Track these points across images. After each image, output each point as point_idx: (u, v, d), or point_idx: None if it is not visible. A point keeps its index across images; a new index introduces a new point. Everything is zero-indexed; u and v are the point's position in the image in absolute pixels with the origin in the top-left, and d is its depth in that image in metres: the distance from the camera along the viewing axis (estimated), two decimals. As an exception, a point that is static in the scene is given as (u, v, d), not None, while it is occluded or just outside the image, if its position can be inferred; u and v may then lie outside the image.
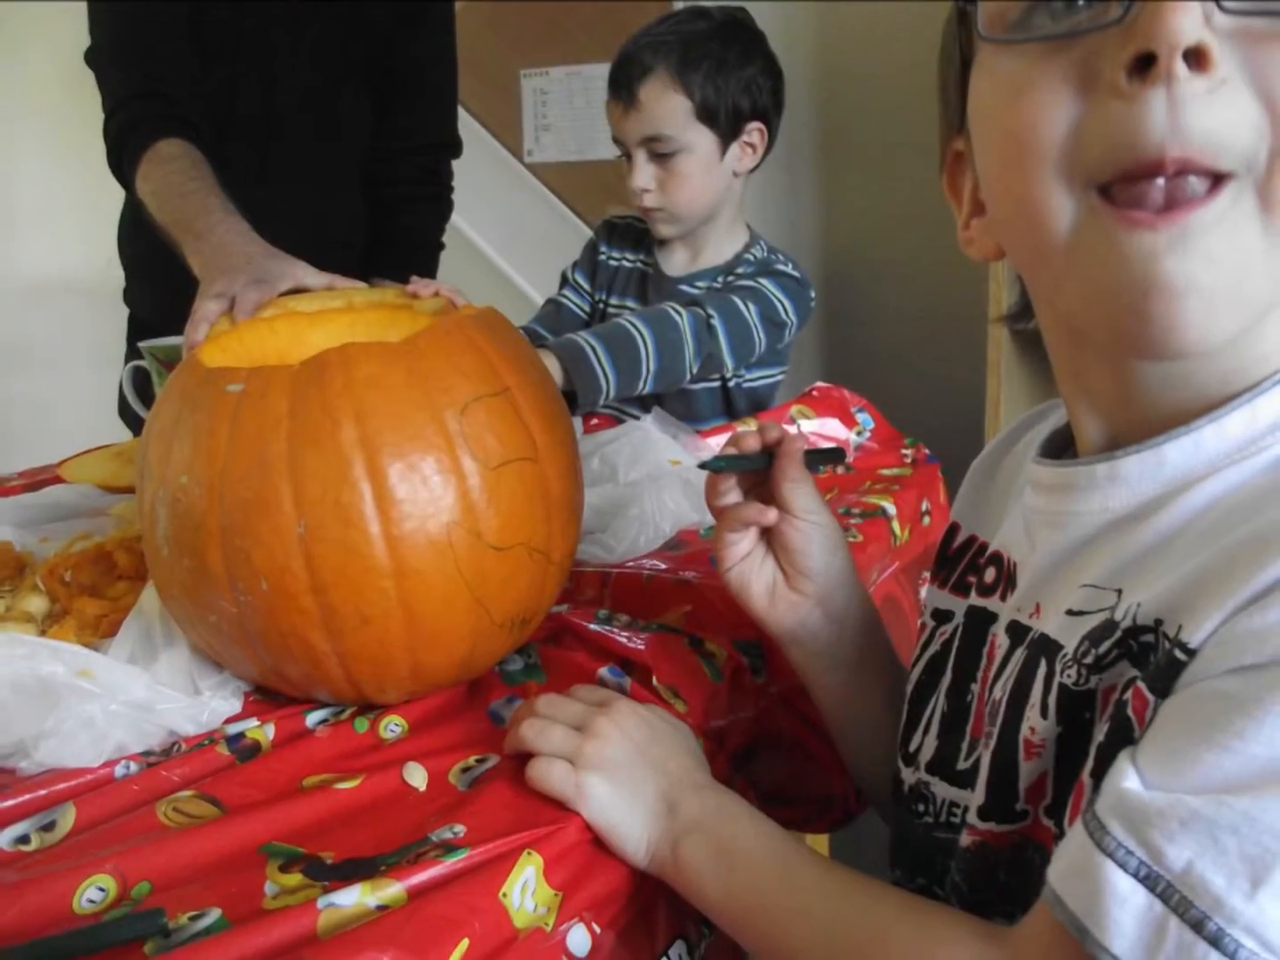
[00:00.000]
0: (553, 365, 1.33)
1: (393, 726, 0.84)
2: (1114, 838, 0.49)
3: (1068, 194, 0.55)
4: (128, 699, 0.80)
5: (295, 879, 0.67)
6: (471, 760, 0.80)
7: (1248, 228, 0.52)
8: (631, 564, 1.09)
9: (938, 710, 0.76)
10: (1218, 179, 0.52)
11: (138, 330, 1.84)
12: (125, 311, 1.92)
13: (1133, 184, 0.53)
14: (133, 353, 1.69)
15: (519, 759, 0.77)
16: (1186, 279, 0.52)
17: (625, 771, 0.74)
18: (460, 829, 0.71)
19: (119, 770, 0.78)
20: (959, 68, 0.64)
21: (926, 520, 1.35)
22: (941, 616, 0.80)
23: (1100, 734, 0.56)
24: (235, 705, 0.85)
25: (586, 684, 0.86)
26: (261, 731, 0.82)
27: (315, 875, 0.68)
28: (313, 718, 0.85)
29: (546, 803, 0.73)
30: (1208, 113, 0.50)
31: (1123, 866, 0.49)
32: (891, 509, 1.26)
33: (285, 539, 0.77)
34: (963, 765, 0.72)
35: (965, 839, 0.67)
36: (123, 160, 1.51)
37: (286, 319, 1.02)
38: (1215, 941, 0.46)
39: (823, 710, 0.89)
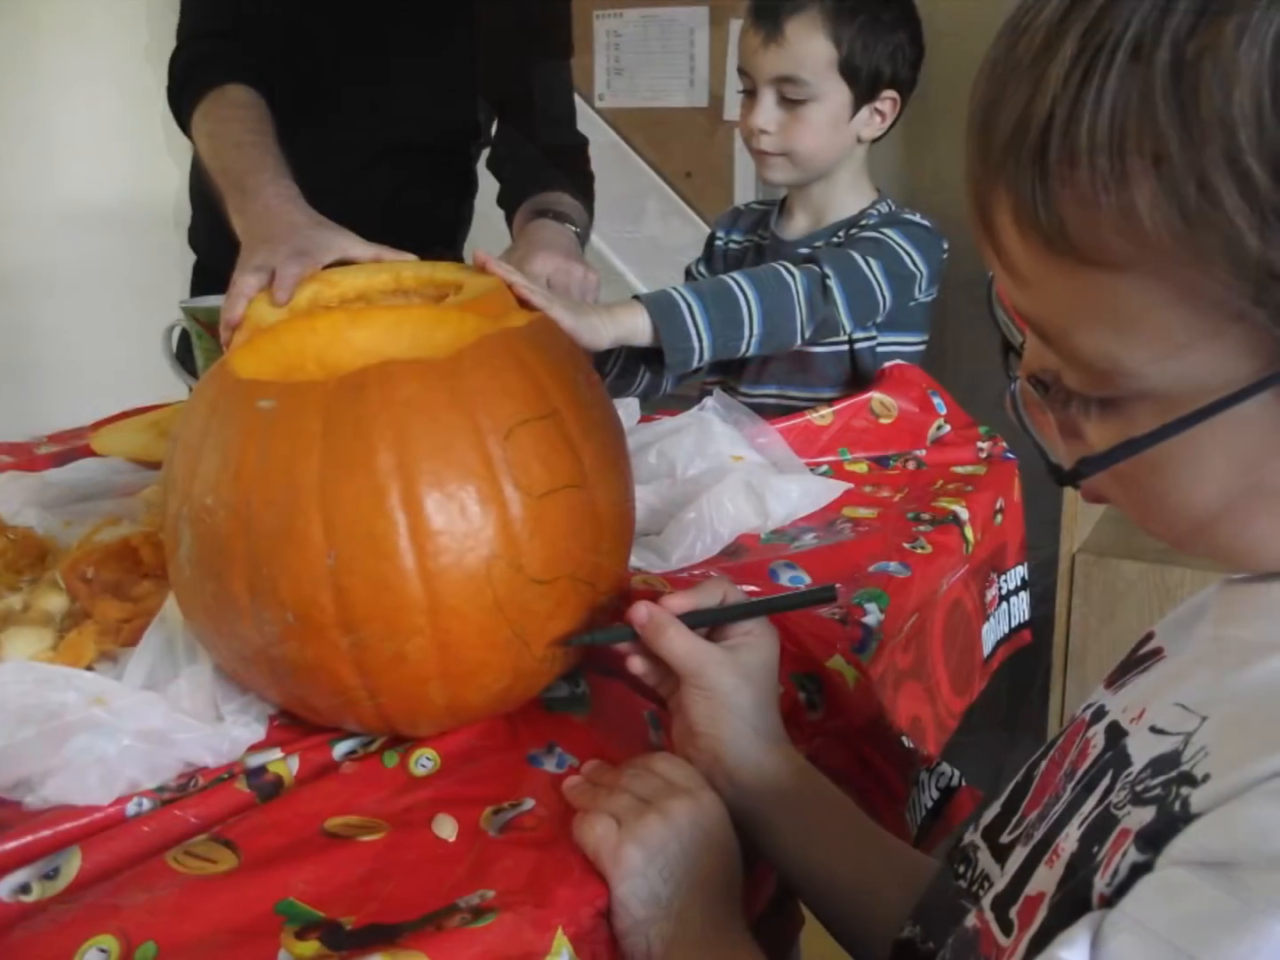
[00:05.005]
0: (641, 320, 1.21)
1: (424, 761, 0.79)
2: None
3: None
4: (143, 728, 0.75)
5: (312, 947, 0.63)
6: (505, 804, 0.75)
7: None
8: (685, 575, 1.03)
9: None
10: None
11: (200, 275, 1.80)
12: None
13: None
14: (194, 291, 1.66)
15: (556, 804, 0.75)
16: None
17: (663, 866, 0.70)
18: (489, 894, 0.66)
19: (130, 808, 0.73)
20: None
21: (999, 519, 1.29)
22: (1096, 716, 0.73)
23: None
24: (259, 731, 0.80)
25: (635, 735, 0.82)
26: (285, 765, 0.77)
27: (333, 944, 0.63)
28: (340, 749, 0.80)
29: (574, 858, 0.70)
30: None
31: None
32: (964, 513, 1.19)
33: (314, 570, 0.72)
34: (1005, 838, 0.67)
35: (971, 920, 0.61)
36: (184, 92, 1.43)
37: (327, 316, 0.95)
38: None
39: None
